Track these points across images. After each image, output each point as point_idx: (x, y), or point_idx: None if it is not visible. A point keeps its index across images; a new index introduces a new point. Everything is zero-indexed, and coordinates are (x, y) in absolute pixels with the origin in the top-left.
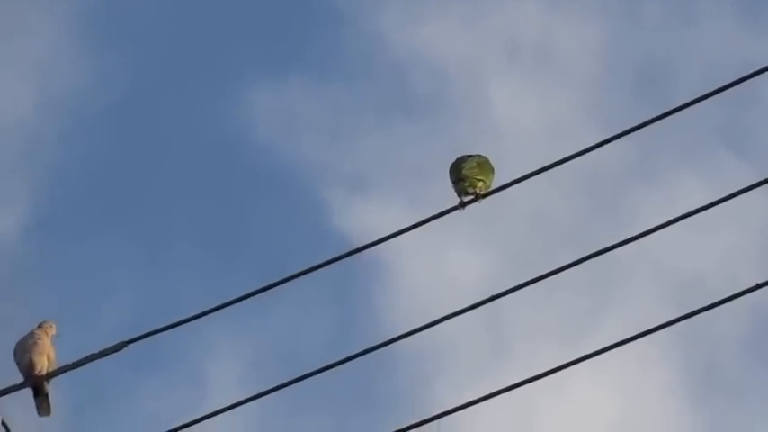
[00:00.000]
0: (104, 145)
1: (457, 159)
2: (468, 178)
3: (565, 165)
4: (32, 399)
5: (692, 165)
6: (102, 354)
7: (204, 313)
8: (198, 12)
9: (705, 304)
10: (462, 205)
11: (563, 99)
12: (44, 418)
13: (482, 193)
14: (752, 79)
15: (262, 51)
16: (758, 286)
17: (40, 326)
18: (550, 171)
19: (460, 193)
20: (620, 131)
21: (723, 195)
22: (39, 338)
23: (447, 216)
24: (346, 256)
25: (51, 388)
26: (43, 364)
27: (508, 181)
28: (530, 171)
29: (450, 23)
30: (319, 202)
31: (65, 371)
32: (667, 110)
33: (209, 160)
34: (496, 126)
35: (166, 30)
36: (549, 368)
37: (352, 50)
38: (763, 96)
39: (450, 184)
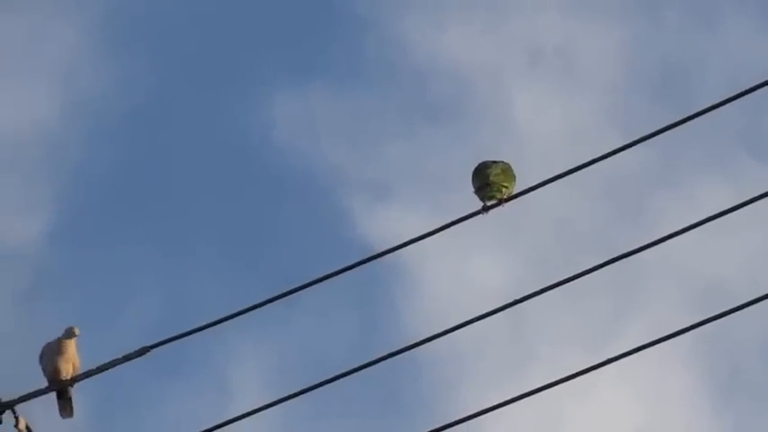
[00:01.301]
0: (127, 149)
1: (481, 165)
2: (495, 184)
3: (587, 169)
4: (55, 401)
5: (714, 169)
6: (126, 358)
7: (228, 318)
8: (220, 16)
9: (728, 308)
10: (486, 210)
11: (585, 104)
12: (68, 424)
13: (505, 198)
14: None
15: (284, 56)
16: None
17: (67, 331)
18: (573, 176)
19: (484, 198)
20: (642, 136)
21: (745, 199)
22: (65, 345)
23: (470, 221)
24: (370, 260)
25: (75, 392)
26: (68, 371)
27: (531, 186)
28: (552, 175)
29: (471, 29)
30: (341, 207)
31: (88, 376)
32: (689, 114)
33: (233, 165)
34: (519, 131)
35: (189, 34)
36: (572, 372)
37: (375, 56)
38: None
39: (471, 189)
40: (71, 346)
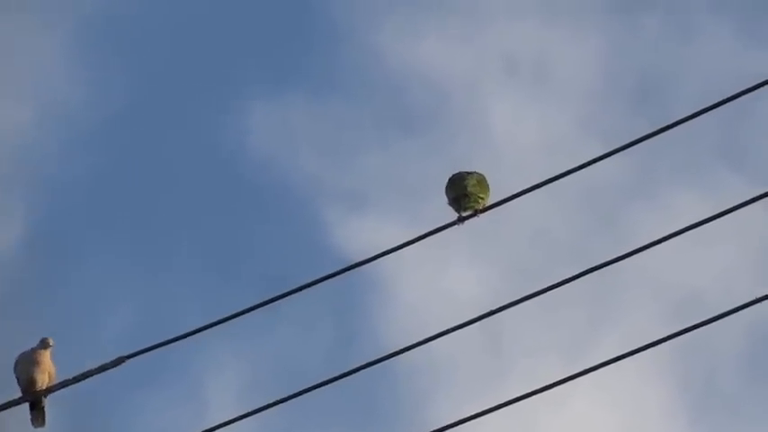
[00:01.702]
0: (103, 160)
1: (456, 176)
2: (472, 195)
3: (564, 180)
4: (28, 411)
5: (690, 180)
6: (102, 369)
7: (203, 328)
8: (196, 27)
9: (703, 319)
10: (461, 220)
11: (562, 115)
12: (39, 430)
13: (480, 209)
14: (750, 94)
15: (260, 66)
16: (758, 300)
17: (42, 342)
18: (549, 187)
19: (460, 209)
20: (618, 146)
21: (721, 210)
22: (40, 355)
23: (446, 232)
24: (346, 270)
25: (48, 402)
26: (44, 381)
27: (507, 196)
28: (529, 186)
29: (448, 39)
30: (318, 218)
31: (64, 386)
32: (666, 124)
33: (209, 175)
34: (495, 141)
35: (164, 45)
36: (548, 383)
37: (351, 66)
38: (761, 111)
39: (445, 198)
40: (46, 356)
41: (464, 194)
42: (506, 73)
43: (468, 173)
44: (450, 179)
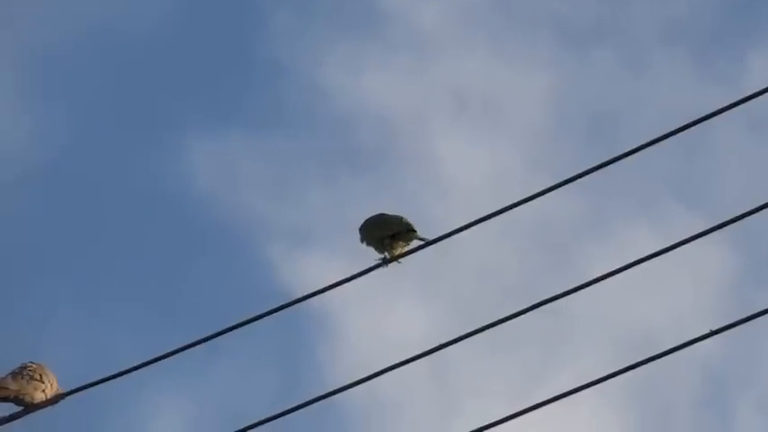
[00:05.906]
0: (43, 201)
1: (380, 216)
2: (414, 231)
3: (514, 215)
4: None
5: (642, 216)
6: (40, 405)
7: (145, 364)
8: (136, 65)
9: (657, 356)
10: (386, 262)
11: (512, 151)
12: None
13: (403, 252)
14: (702, 128)
15: (202, 103)
16: (712, 333)
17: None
18: (499, 221)
19: (394, 247)
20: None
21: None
22: None
23: (392, 267)
24: (286, 306)
25: None
26: None
27: (456, 230)
28: (476, 218)
29: (394, 74)
30: (262, 256)
31: (0, 423)
32: (616, 155)
33: (150, 214)
34: (444, 179)
35: (104, 84)
36: (496, 419)
37: (295, 102)
38: (714, 144)
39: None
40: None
41: (410, 230)
42: (455, 108)
43: (387, 213)
44: (379, 220)
